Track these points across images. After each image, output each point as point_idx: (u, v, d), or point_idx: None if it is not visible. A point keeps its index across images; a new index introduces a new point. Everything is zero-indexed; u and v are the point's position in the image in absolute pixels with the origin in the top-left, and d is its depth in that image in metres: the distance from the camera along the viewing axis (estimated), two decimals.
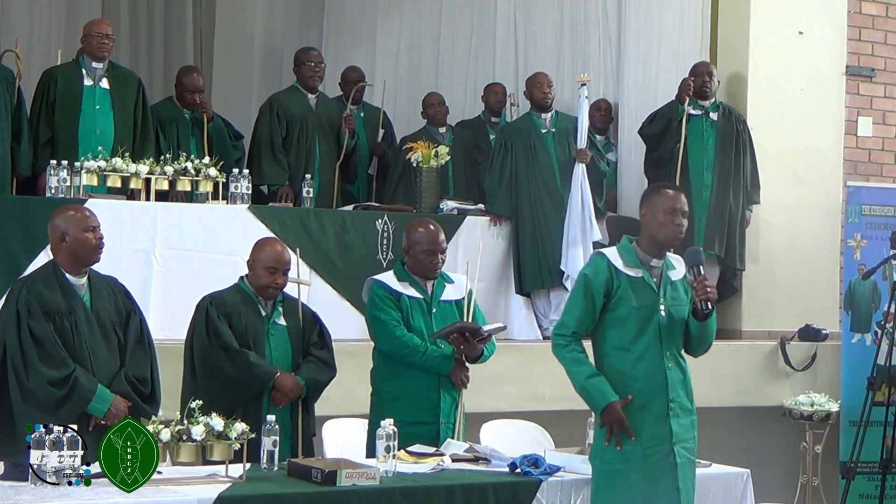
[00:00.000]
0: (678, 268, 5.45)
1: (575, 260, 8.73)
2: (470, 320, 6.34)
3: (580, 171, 8.83)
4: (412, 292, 6.30)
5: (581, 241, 8.73)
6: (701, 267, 5.38)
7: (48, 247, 7.15)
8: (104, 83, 8.39)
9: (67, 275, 5.61)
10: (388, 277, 6.36)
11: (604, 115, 9.94)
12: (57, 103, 8.30)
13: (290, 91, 9.47)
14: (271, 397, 5.93)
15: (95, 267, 5.79)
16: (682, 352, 5.47)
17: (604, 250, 5.52)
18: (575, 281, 5.57)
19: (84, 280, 5.65)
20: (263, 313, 6.06)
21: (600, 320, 5.39)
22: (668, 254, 5.45)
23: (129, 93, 8.48)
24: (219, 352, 5.93)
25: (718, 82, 9.24)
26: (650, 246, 5.41)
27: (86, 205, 7.23)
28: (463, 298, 6.37)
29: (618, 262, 5.38)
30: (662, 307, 5.35)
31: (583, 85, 8.90)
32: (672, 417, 5.33)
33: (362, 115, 9.87)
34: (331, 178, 9.26)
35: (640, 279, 5.36)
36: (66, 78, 8.37)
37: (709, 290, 5.32)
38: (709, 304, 5.33)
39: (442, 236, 6.34)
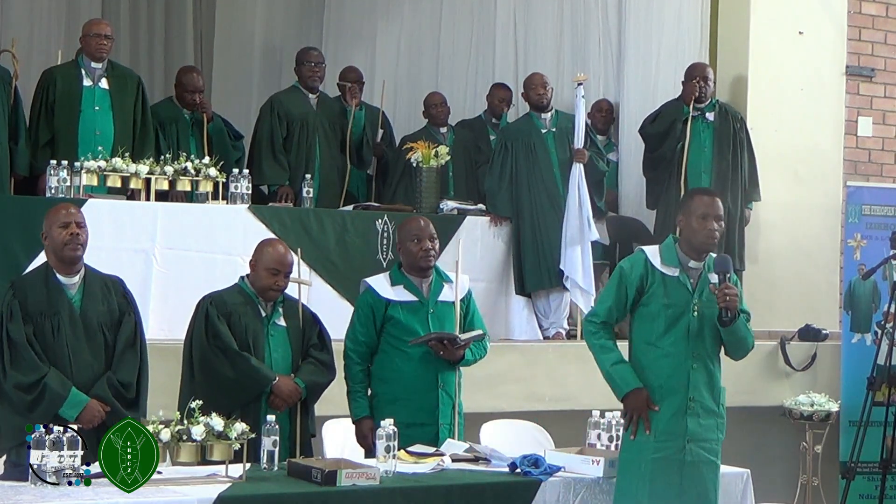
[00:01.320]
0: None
1: (573, 260, 8.72)
2: (464, 323, 6.34)
3: (578, 171, 8.82)
4: (405, 296, 6.27)
5: (579, 241, 8.72)
6: (727, 274, 5.45)
7: None
8: (103, 83, 8.38)
9: (58, 275, 5.61)
10: (380, 281, 6.34)
11: (605, 116, 9.94)
12: (56, 104, 8.29)
13: (291, 91, 9.46)
14: (270, 402, 5.91)
15: (100, 267, 5.79)
16: (722, 354, 5.59)
17: (645, 247, 5.65)
18: (612, 274, 5.68)
19: (76, 279, 5.64)
20: (263, 314, 6.05)
21: (633, 314, 5.54)
22: (712, 255, 5.54)
23: (129, 92, 8.47)
24: (217, 353, 5.92)
25: (714, 83, 9.21)
26: (688, 248, 5.53)
27: (86, 205, 7.28)
28: (462, 300, 6.37)
29: (655, 260, 5.52)
30: (695, 308, 5.46)
31: (579, 84, 8.89)
32: (690, 415, 5.44)
33: (363, 110, 9.86)
34: (332, 177, 9.25)
35: (675, 278, 5.49)
36: (66, 78, 8.35)
37: (728, 297, 5.41)
38: (729, 311, 5.42)
39: (431, 227, 6.32)
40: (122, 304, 5.76)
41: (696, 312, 5.46)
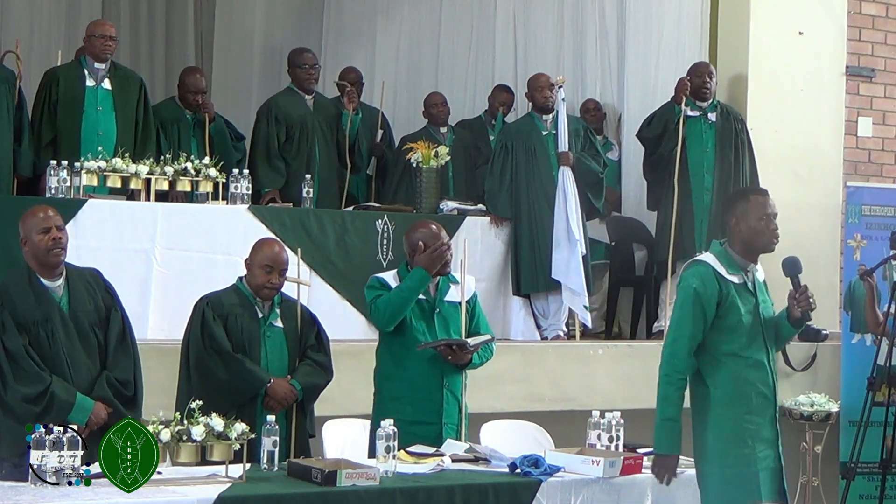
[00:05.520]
0: (760, 268, 5.48)
1: (560, 262, 8.71)
2: (471, 325, 6.35)
3: (564, 174, 8.81)
4: None
5: (566, 244, 8.71)
6: (800, 276, 5.38)
7: None
8: (106, 84, 8.38)
9: (42, 279, 5.51)
10: (389, 276, 6.39)
11: (593, 115, 9.93)
12: (59, 104, 8.28)
13: (287, 93, 9.39)
14: (265, 404, 5.91)
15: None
16: None
17: (702, 258, 5.46)
18: (681, 294, 5.41)
19: (60, 281, 5.55)
20: (260, 315, 6.04)
21: (712, 327, 5.35)
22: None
23: (131, 93, 8.47)
24: (212, 355, 5.92)
25: (717, 83, 9.22)
26: (745, 252, 5.41)
27: (86, 205, 7.28)
28: (467, 301, 6.37)
29: (721, 270, 5.36)
30: (760, 311, 5.39)
31: (559, 87, 8.89)
32: (778, 422, 5.45)
33: (360, 115, 9.86)
34: (330, 178, 9.23)
35: (743, 285, 5.38)
36: (68, 79, 8.35)
37: (811, 299, 5.35)
38: (809, 314, 5.37)
39: (443, 233, 6.35)
40: (107, 298, 5.66)
41: (761, 316, 5.38)
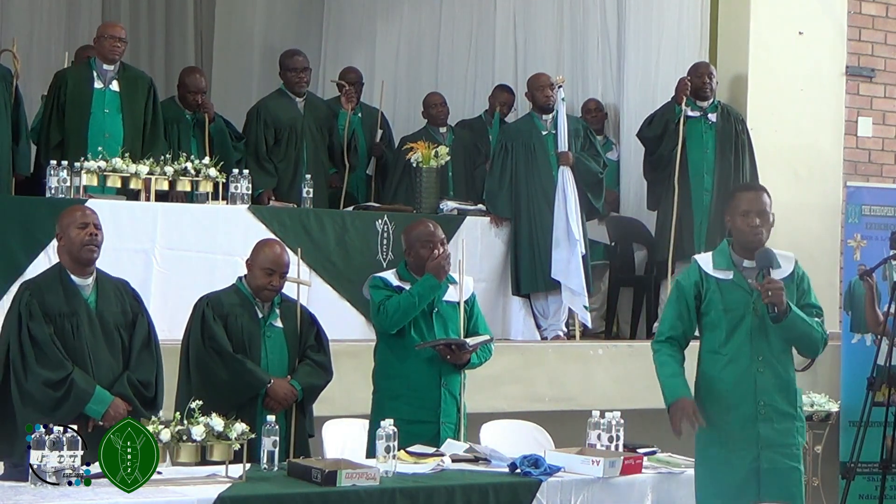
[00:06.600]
0: (783, 265, 5.41)
1: (559, 263, 8.71)
2: (469, 325, 6.35)
3: (564, 174, 8.81)
4: None
5: (566, 244, 8.71)
6: (769, 269, 5.32)
7: (48, 247, 7.22)
8: (114, 86, 8.35)
9: (73, 276, 5.61)
10: (388, 275, 6.41)
11: (595, 115, 9.93)
12: (67, 106, 8.28)
13: (277, 96, 9.38)
14: (265, 404, 5.91)
15: (99, 266, 5.79)
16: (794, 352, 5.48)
17: (698, 255, 5.56)
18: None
19: (90, 281, 5.65)
20: (260, 315, 6.04)
21: (699, 325, 5.43)
22: (774, 252, 5.41)
23: (140, 94, 8.45)
24: (212, 355, 5.92)
25: (717, 83, 9.22)
26: (739, 248, 5.42)
27: (85, 205, 7.26)
28: (466, 301, 6.37)
29: (708, 266, 5.40)
30: (756, 308, 5.33)
31: (559, 87, 8.89)
32: (762, 421, 5.32)
33: (360, 115, 9.86)
34: (320, 181, 9.19)
35: (730, 281, 5.37)
36: (76, 81, 8.34)
37: (771, 293, 5.24)
38: (775, 307, 5.26)
39: (440, 232, 6.36)
40: (134, 305, 5.78)
41: (756, 313, 5.32)
